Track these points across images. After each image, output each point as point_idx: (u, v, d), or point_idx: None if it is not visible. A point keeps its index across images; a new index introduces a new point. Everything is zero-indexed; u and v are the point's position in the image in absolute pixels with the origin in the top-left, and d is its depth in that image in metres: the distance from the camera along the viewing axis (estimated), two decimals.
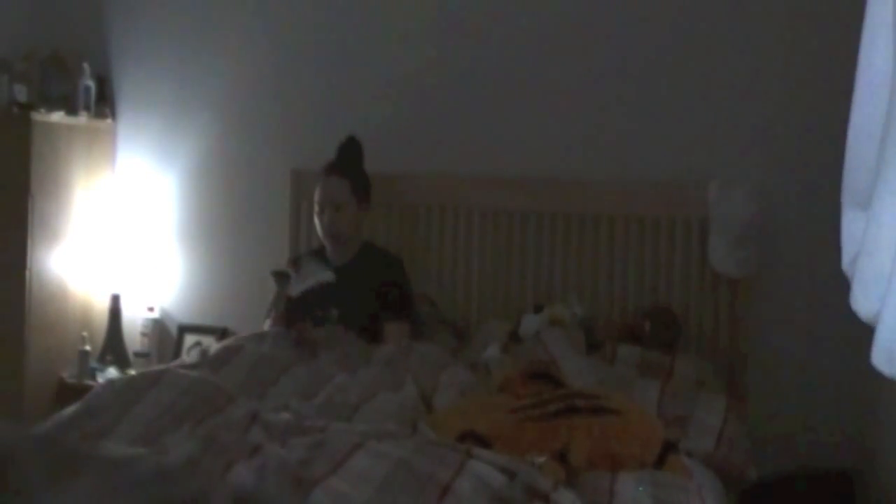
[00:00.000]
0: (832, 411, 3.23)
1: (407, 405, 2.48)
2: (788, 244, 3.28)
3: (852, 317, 3.35)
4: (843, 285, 3.27)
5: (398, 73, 3.65)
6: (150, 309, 3.86)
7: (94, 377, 3.68)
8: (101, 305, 3.85)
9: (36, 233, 3.59)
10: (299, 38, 3.77)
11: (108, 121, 3.94)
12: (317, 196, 3.29)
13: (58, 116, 3.68)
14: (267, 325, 3.19)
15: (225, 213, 3.86)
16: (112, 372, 3.69)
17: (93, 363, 3.72)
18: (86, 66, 3.79)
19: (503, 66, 3.54)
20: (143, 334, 3.83)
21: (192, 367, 2.68)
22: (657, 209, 3.32)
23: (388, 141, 3.59)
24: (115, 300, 3.81)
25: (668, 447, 2.18)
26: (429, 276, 3.51)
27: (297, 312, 3.12)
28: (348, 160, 3.37)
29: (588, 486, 1.99)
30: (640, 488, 1.97)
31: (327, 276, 3.13)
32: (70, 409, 2.31)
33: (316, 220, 3.31)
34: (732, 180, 3.22)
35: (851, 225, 1.70)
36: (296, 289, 3.14)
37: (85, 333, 3.76)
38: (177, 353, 3.73)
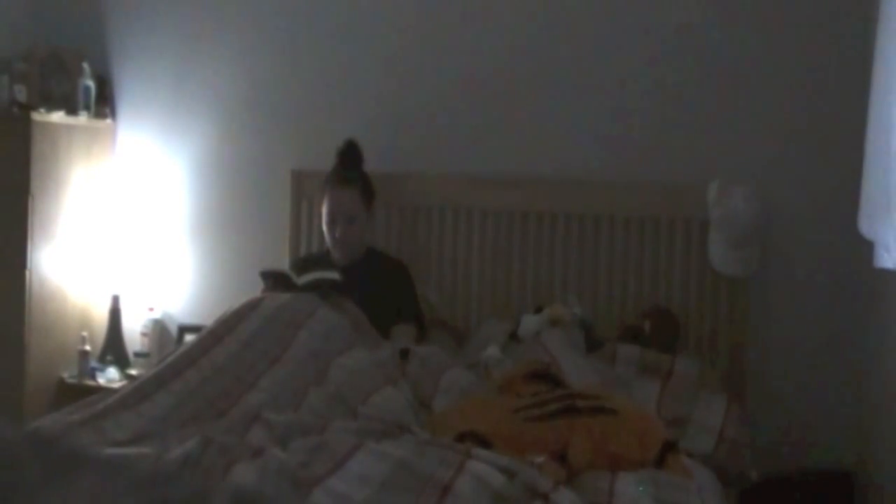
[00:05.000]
0: (832, 411, 3.22)
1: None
2: (788, 244, 3.28)
3: (852, 316, 3.36)
4: (842, 285, 3.28)
5: (398, 73, 3.65)
6: (151, 309, 3.86)
7: (94, 377, 3.68)
8: (101, 305, 3.85)
9: (36, 233, 3.59)
10: (299, 37, 3.77)
11: (108, 121, 3.94)
12: (326, 207, 3.28)
13: (58, 116, 3.67)
14: None
15: (225, 214, 3.86)
16: (112, 372, 3.69)
17: (93, 363, 3.72)
18: (86, 66, 3.79)
19: (504, 66, 3.54)
20: (143, 334, 3.83)
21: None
22: (657, 209, 3.32)
23: (388, 141, 3.59)
24: (115, 300, 3.81)
25: (668, 447, 2.18)
26: (428, 276, 3.51)
27: None
28: (352, 167, 3.37)
29: (588, 486, 1.99)
30: (640, 488, 1.97)
31: (332, 274, 3.14)
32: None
33: (325, 230, 3.30)
34: (732, 180, 3.22)
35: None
36: (301, 280, 3.14)
37: (85, 333, 3.76)
38: None
